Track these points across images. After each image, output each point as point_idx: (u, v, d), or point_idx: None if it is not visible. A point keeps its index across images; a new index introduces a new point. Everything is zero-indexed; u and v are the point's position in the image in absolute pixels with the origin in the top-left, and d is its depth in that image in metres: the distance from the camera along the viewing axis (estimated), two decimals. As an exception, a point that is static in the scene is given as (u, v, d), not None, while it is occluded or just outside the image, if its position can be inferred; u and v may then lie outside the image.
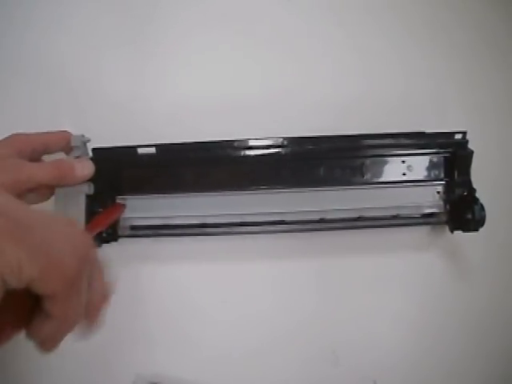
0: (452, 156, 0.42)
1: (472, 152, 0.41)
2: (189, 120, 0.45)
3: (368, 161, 0.42)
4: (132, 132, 0.44)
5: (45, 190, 0.37)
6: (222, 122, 0.45)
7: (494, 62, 0.47)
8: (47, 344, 0.23)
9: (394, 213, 0.43)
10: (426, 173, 0.42)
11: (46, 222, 0.21)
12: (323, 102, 0.46)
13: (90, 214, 0.39)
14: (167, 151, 0.41)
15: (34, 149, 0.36)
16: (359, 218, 0.43)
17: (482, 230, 0.40)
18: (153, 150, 0.40)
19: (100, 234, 0.41)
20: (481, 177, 0.41)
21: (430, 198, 0.43)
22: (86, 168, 0.37)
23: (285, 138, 0.41)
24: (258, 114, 0.45)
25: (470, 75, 0.47)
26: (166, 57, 0.47)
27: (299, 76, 0.46)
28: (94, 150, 0.40)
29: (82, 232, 0.25)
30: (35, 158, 0.37)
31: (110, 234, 0.42)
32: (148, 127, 0.45)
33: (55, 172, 0.35)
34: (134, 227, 0.44)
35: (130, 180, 0.42)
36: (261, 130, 0.43)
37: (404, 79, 0.46)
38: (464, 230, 0.41)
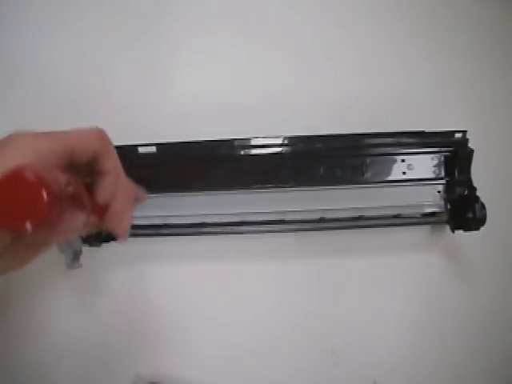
0: (452, 155, 0.42)
1: (472, 151, 0.41)
2: (190, 119, 0.45)
3: (368, 160, 0.42)
4: (133, 131, 0.44)
5: None
6: (223, 122, 0.45)
7: (494, 62, 0.47)
8: (116, 205, 0.26)
9: (395, 212, 0.43)
10: (426, 172, 0.42)
11: None
12: (324, 101, 0.46)
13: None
14: (168, 150, 0.41)
15: None
16: (359, 218, 0.42)
17: (482, 228, 0.40)
18: (153, 148, 0.40)
19: (100, 233, 0.41)
20: (481, 175, 0.41)
21: (431, 197, 0.43)
22: None
23: (285, 137, 0.41)
24: (259, 113, 0.45)
25: (470, 75, 0.47)
26: (168, 57, 0.47)
27: (300, 76, 0.47)
28: (94, 148, 0.40)
29: None
30: None
31: (110, 234, 0.42)
32: (149, 126, 0.45)
33: None
34: (134, 226, 0.43)
35: (130, 179, 0.42)
36: (262, 129, 0.43)
37: (404, 79, 0.47)
38: (465, 230, 0.41)
